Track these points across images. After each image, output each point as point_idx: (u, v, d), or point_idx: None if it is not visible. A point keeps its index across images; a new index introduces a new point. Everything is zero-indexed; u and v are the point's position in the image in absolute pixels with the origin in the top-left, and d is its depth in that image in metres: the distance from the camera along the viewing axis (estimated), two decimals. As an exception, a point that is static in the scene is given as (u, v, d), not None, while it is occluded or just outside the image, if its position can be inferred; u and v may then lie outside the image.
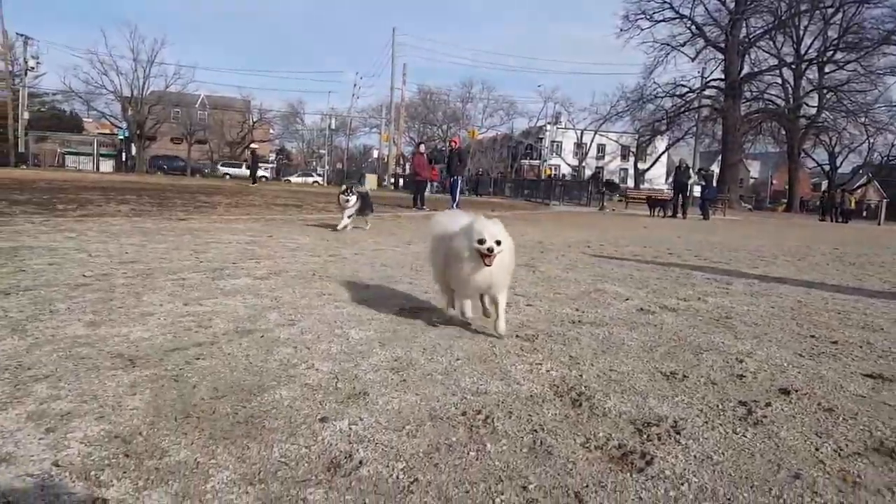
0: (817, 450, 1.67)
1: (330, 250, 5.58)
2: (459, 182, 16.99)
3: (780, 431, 1.78)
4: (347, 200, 7.63)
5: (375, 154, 69.84)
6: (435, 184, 33.76)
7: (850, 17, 43.33)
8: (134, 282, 3.50)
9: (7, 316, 2.61)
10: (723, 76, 44.90)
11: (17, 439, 1.48)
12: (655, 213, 22.48)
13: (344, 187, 7.91)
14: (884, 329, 3.25)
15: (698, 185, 21.70)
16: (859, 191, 54.27)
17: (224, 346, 2.34)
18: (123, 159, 50.95)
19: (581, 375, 2.22)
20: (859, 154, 53.37)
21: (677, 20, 45.56)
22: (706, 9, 45.10)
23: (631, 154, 65.14)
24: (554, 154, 67.98)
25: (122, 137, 51.76)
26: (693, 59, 46.14)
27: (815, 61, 45.26)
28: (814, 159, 55.18)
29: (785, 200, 51.64)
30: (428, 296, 3.57)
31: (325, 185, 52.57)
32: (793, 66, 45.38)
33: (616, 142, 64.63)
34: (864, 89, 43.58)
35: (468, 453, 1.55)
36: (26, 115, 43.32)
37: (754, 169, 74.66)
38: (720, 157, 47.21)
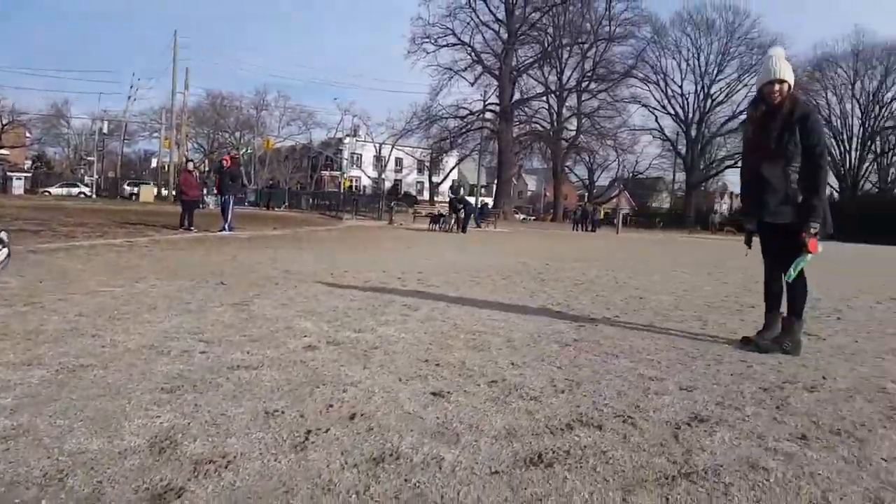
0: (327, 466, 2.28)
1: (33, 294, 5.38)
2: (231, 202, 16.74)
3: (310, 455, 2.37)
4: None
5: (154, 162, 64.90)
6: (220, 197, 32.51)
7: (601, 52, 50.72)
8: None
9: None
10: (498, 101, 49.51)
11: None
12: (437, 228, 24.68)
13: None
14: (487, 349, 4.18)
15: (459, 204, 24.18)
16: (613, 200, 63.21)
17: None
18: None
19: (188, 424, 2.64)
20: (611, 170, 62.64)
21: (459, 46, 49.41)
22: (484, 38, 49.63)
23: (426, 168, 68.61)
24: (354, 166, 69.09)
25: None
26: (472, 84, 50.32)
27: (574, 90, 52.23)
28: (576, 175, 63.65)
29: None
30: (104, 348, 3.76)
31: (95, 196, 47.65)
32: (556, 94, 51.74)
33: (412, 156, 67.52)
34: (611, 116, 51.51)
35: (17, 512, 1.89)
36: None
37: (532, 183, 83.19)
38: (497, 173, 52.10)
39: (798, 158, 4.23)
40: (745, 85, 55.64)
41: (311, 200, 45.06)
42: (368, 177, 68.36)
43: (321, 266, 9.04)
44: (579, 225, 36.21)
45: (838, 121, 56.17)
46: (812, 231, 4.19)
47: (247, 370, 3.46)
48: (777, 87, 4.28)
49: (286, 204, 44.74)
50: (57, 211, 21.01)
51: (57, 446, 2.36)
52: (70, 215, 18.75)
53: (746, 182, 4.63)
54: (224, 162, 17.70)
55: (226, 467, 2.24)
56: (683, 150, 59.22)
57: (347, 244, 14.89)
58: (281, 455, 2.36)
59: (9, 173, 50.74)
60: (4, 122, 54.61)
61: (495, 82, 50.00)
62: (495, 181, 53.25)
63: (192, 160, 24.69)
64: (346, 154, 67.60)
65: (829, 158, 52.12)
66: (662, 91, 58.15)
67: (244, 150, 56.24)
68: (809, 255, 4.24)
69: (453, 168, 65.26)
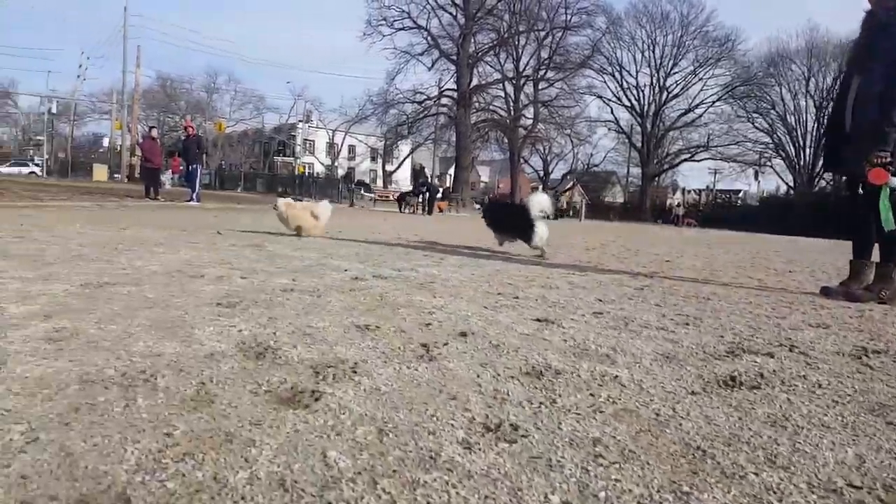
0: (478, 376, 1.83)
1: (17, 233, 4.71)
2: (199, 171, 15.72)
3: (449, 364, 1.93)
4: None
5: (106, 143, 61.77)
6: (177, 176, 31.22)
7: (557, 40, 50.42)
8: None
9: None
10: (455, 86, 48.81)
11: None
12: (403, 210, 23.84)
13: None
14: (559, 288, 3.79)
15: (422, 187, 24.00)
16: (567, 193, 63.66)
17: None
18: None
19: (275, 332, 2.16)
20: (567, 161, 62.75)
21: (415, 30, 48.26)
22: (440, 22, 48.57)
23: (379, 156, 67.49)
24: (307, 152, 67.37)
25: None
26: (430, 69, 49.39)
27: (531, 78, 51.69)
28: (531, 165, 63.41)
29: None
30: (125, 272, 3.20)
31: (45, 176, 44.85)
32: (513, 81, 51.26)
33: (365, 143, 66.23)
34: (568, 105, 51.21)
35: (112, 409, 1.38)
36: None
37: (484, 174, 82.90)
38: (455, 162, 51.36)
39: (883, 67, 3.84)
40: (700, 78, 56.23)
41: (266, 184, 43.64)
42: (321, 163, 66.82)
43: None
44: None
45: (792, 117, 56.17)
46: (876, 160, 3.69)
47: (305, 293, 2.97)
48: None
49: (241, 187, 43.14)
50: (11, 184, 19.40)
51: (122, 349, 1.84)
52: (27, 188, 17.30)
53: (832, 124, 4.28)
54: (188, 130, 16.57)
55: (354, 372, 1.77)
56: (639, 143, 59.32)
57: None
58: (412, 363, 1.91)
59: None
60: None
61: (452, 67, 49.32)
62: (452, 169, 52.74)
63: (155, 127, 23.10)
64: (298, 140, 65.86)
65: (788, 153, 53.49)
66: (618, 83, 57.99)
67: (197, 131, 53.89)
68: (887, 189, 3.88)
69: (407, 156, 64.28)
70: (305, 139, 67.39)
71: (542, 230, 5.96)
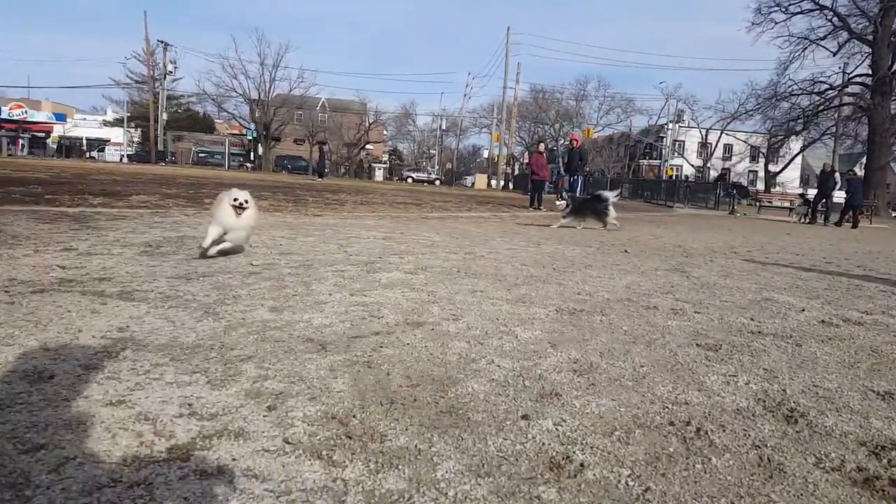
0: None
1: (464, 248, 5.60)
2: (580, 181, 16.53)
3: None
4: None
5: (485, 154, 70.18)
6: (547, 184, 33.33)
7: None
8: (298, 272, 3.67)
9: (196, 299, 2.81)
10: (869, 71, 40.73)
11: (243, 415, 1.56)
12: (802, 220, 20.29)
13: None
14: None
15: (841, 189, 19.38)
16: None
17: (400, 336, 2.37)
18: (252, 158, 54.84)
19: (784, 391, 2.03)
20: None
21: (816, 12, 41.74)
22: (851, -1, 41.03)
23: (761, 155, 60.82)
24: (676, 154, 64.87)
25: (250, 138, 55.59)
26: (835, 54, 42.19)
27: None
28: (981, 163, 48.95)
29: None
30: (581, 297, 3.46)
31: (438, 184, 53.33)
32: (959, 60, 40.31)
33: (745, 142, 60.38)
34: None
35: (693, 465, 1.44)
36: (165, 116, 47.60)
37: (905, 174, 67.27)
38: (864, 160, 42.85)
39: None
40: None
41: (631, 188, 43.60)
42: (692, 165, 63.48)
43: (712, 243, 8.01)
44: None
45: None
46: None
47: (777, 338, 2.76)
48: None
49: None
50: (420, 193, 23.74)
51: (647, 391, 1.95)
52: (433, 196, 20.93)
53: None
54: (574, 142, 17.59)
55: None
56: None
57: (707, 228, 13.39)
58: None
59: (373, 164, 61.57)
60: (370, 121, 64.87)
61: (865, 50, 41.15)
62: (859, 168, 44.13)
63: (543, 141, 25.10)
64: (667, 142, 63.77)
65: None
66: None
67: (562, 142, 57.03)
68: None
69: (797, 155, 56.47)
70: (675, 140, 64.90)
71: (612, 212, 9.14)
